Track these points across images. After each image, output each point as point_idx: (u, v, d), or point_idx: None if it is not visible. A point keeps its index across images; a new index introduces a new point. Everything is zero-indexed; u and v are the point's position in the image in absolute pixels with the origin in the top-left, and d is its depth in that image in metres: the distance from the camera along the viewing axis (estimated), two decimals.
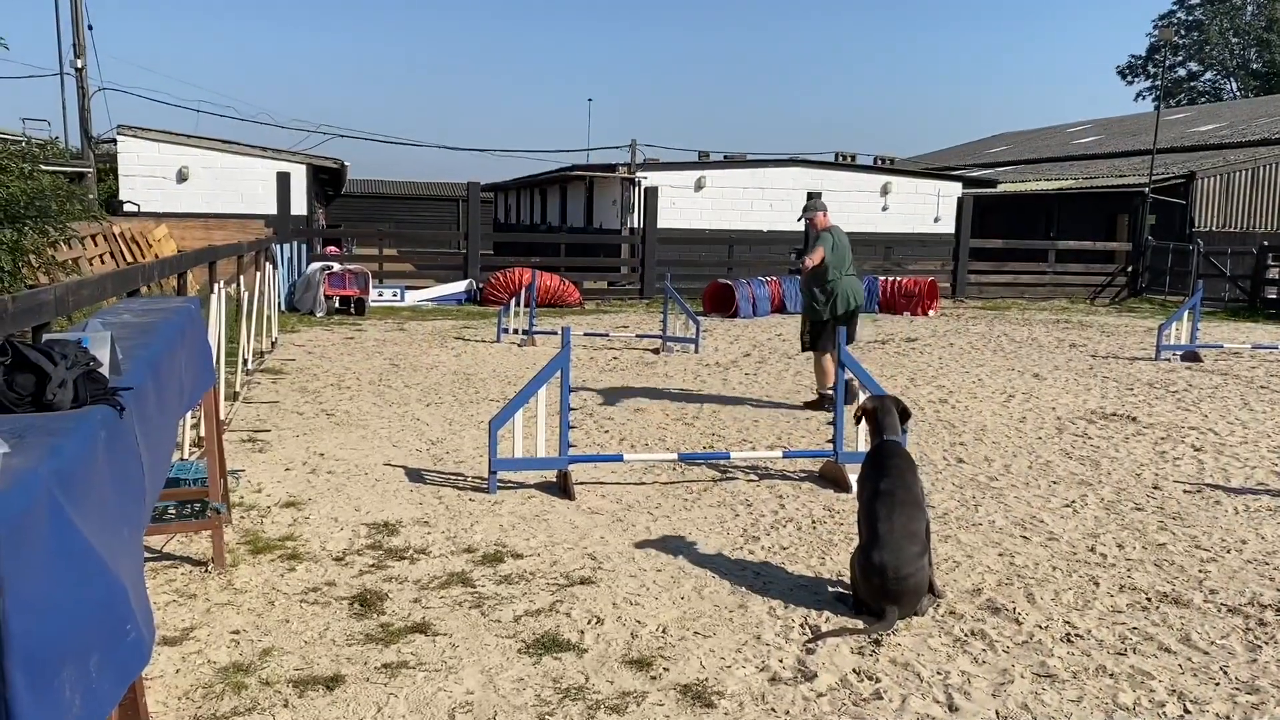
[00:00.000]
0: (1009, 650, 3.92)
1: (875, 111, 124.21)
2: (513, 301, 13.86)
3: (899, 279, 18.95)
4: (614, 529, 5.36)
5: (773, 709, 3.41)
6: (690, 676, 3.63)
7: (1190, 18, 59.03)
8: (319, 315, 16.01)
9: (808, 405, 9.04)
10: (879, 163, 29.44)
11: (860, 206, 25.92)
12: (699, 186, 24.81)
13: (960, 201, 22.86)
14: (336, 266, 16.70)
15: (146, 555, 4.57)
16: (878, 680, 3.62)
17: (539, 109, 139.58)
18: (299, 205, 20.67)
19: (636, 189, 23.72)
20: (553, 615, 4.17)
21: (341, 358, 11.45)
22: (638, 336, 13.76)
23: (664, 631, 4.03)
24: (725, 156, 27.69)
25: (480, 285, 18.67)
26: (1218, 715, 3.42)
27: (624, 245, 23.30)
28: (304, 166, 22.67)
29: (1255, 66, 57.35)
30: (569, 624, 4.08)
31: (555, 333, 12.63)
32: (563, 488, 6.01)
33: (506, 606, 4.25)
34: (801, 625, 4.11)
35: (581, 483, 6.16)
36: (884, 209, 26.65)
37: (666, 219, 21.96)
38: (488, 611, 4.19)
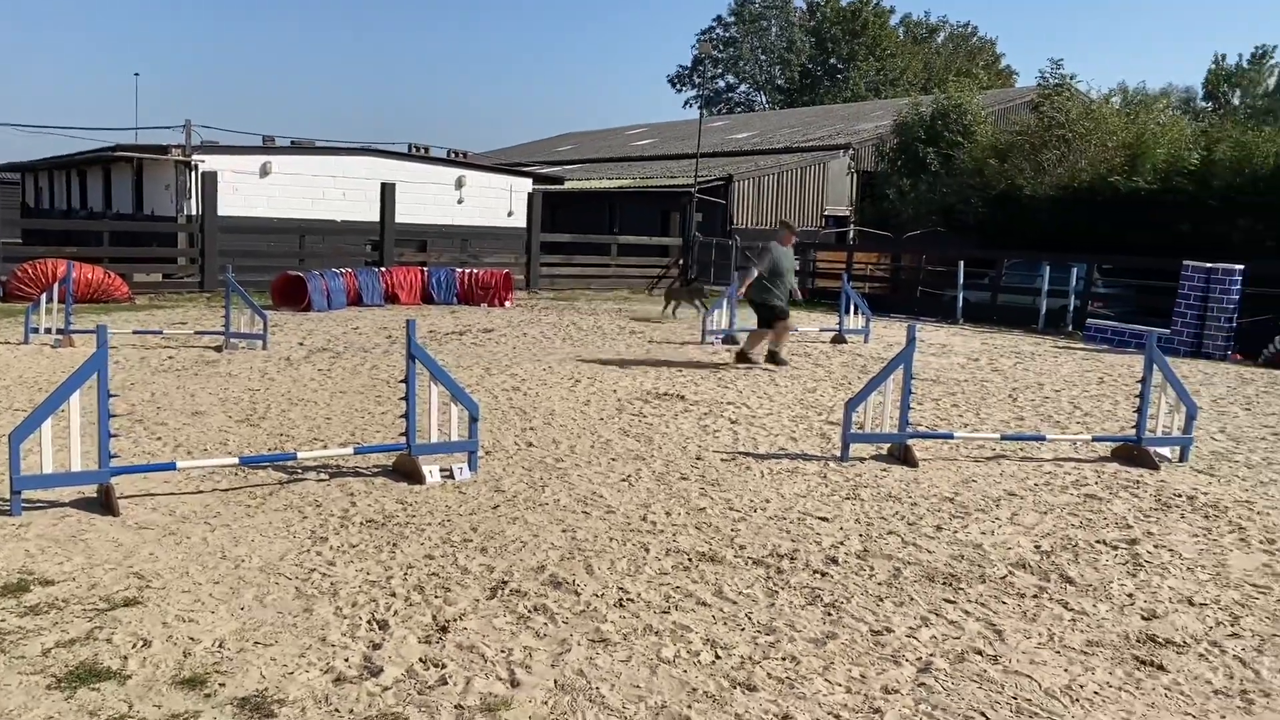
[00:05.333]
0: (568, 621, 4.17)
1: (449, 105, 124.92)
2: (44, 297, 12.30)
3: (475, 271, 19.28)
4: (165, 543, 4.97)
5: (336, 710, 3.36)
6: (249, 688, 3.48)
7: (727, 34, 65.62)
8: None
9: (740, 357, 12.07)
10: (453, 156, 29.69)
11: (436, 199, 26.01)
12: (265, 173, 23.53)
13: (531, 197, 23.70)
14: None
15: None
16: (444, 666, 3.70)
17: (75, 80, 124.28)
18: None
19: (193, 173, 22.00)
20: (90, 643, 3.79)
21: None
22: (197, 333, 12.80)
23: (221, 646, 3.82)
24: (292, 142, 26.47)
25: (3, 279, 16.35)
26: (742, 657, 3.88)
27: (181, 234, 21.52)
28: None
29: (780, 82, 65.03)
30: (110, 650, 3.73)
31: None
32: (105, 503, 5.46)
33: (33, 640, 3.79)
34: (369, 622, 4.08)
35: (129, 496, 5.64)
36: (459, 202, 26.95)
37: (229, 206, 20.57)
38: (8, 649, 3.72)
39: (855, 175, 31.04)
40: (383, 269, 18.82)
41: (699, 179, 27.54)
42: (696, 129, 29.63)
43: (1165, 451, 7.66)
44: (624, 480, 6.50)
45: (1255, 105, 48.12)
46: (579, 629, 4.09)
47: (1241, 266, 15.08)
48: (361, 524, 5.38)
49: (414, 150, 27.85)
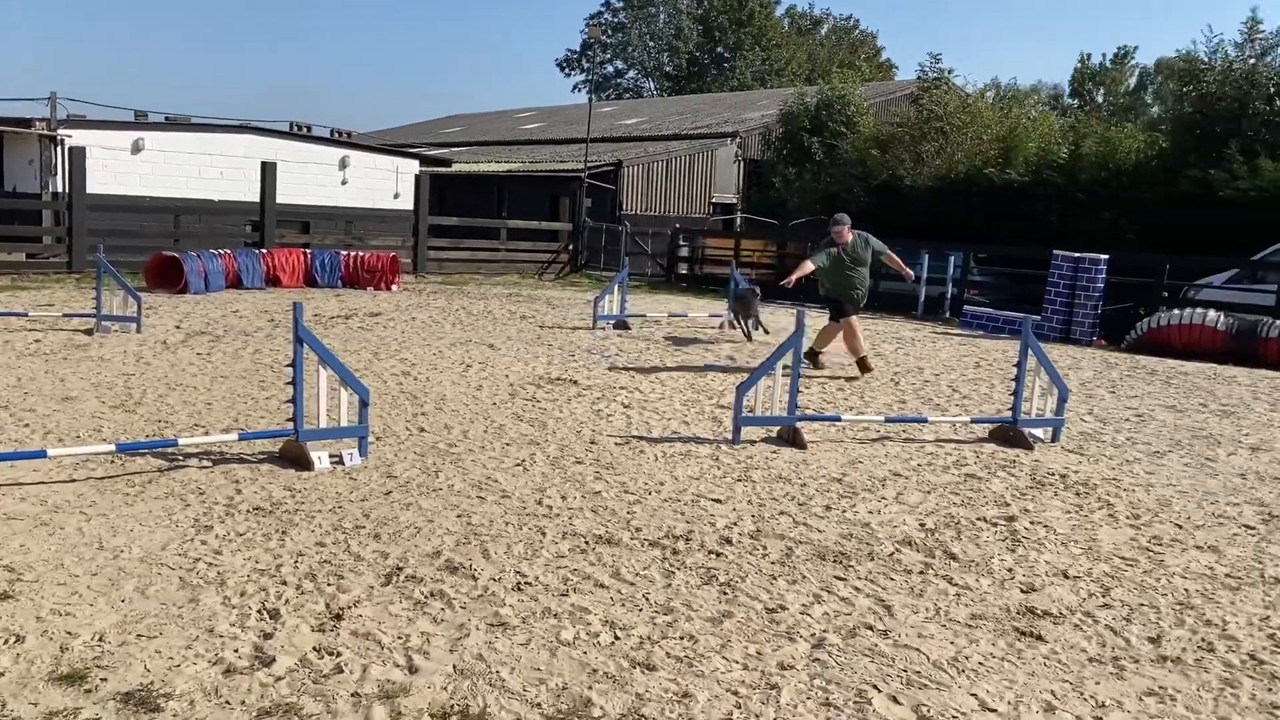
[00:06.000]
0: (466, 606, 4.13)
1: (332, 84, 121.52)
2: None
3: (362, 254, 18.86)
4: (37, 535, 4.73)
5: (227, 702, 3.26)
6: (133, 683, 3.35)
7: (616, 19, 65.58)
8: None
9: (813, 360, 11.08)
10: (336, 135, 28.95)
11: (319, 179, 25.33)
12: (137, 149, 22.54)
13: (418, 179, 23.29)
14: None
15: None
16: (339, 654, 3.63)
17: None
18: None
19: (59, 148, 20.90)
20: None
21: None
22: (66, 316, 12.19)
23: (101, 639, 3.66)
24: (166, 118, 25.41)
25: None
26: (641, 637, 3.91)
27: (46, 212, 20.47)
28: None
29: (668, 69, 65.35)
30: None
31: None
32: None
33: None
34: (259, 612, 3.97)
35: None
36: (343, 183, 26.32)
37: (99, 184, 19.62)
38: None
39: (742, 163, 31.46)
40: (263, 250, 18.24)
41: (589, 164, 27.51)
42: (586, 114, 29.56)
43: (1039, 432, 8.00)
44: (518, 465, 6.47)
45: (1118, 103, 50.52)
46: (477, 613, 4.06)
47: (1106, 256, 15.83)
48: (248, 512, 5.22)
49: (296, 129, 27.03)
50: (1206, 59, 20.59)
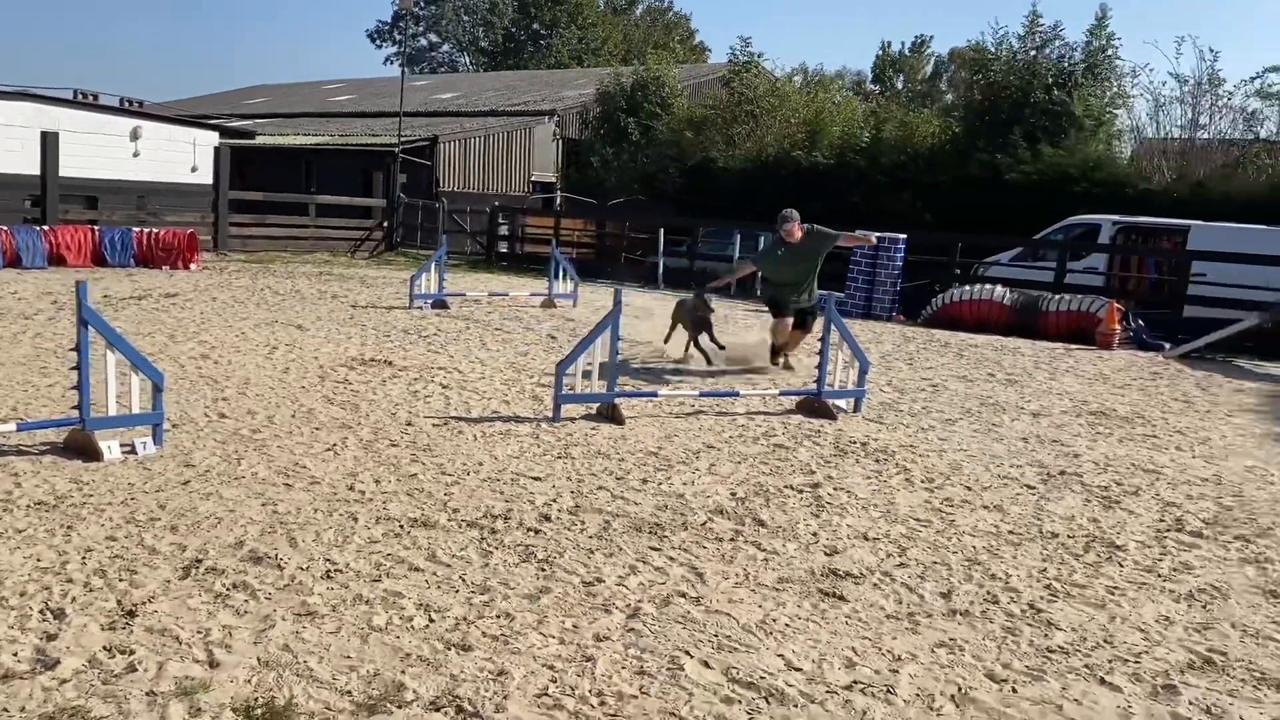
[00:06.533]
0: (271, 597, 3.98)
1: (121, 49, 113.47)
2: None
3: (156, 231, 17.77)
4: None
5: (4, 709, 3.03)
6: None
7: None
8: None
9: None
10: (126, 105, 27.10)
11: (107, 151, 23.63)
12: None
13: (218, 151, 22.12)
14: None
15: None
16: (132, 652, 3.43)
17: None
18: None
19: None
20: None
21: None
22: None
23: None
24: None
25: None
26: (457, 618, 3.87)
27: None
28: None
29: (483, 44, 64.37)
30: None
31: None
32: None
33: None
34: (42, 612, 3.70)
35: None
36: (135, 155, 24.65)
37: None
38: None
39: (561, 142, 31.39)
40: (45, 228, 16.92)
41: (403, 139, 26.81)
42: (399, 87, 28.77)
43: (842, 403, 8.36)
44: (329, 450, 6.26)
45: (916, 90, 53.17)
46: (283, 604, 3.91)
47: (904, 236, 16.68)
48: (29, 507, 4.85)
49: (80, 97, 25.11)
50: (993, 50, 21.96)
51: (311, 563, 4.35)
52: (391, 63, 65.73)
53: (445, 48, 66.80)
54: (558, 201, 29.77)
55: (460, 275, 19.30)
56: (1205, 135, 19.90)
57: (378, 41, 67.30)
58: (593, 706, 3.22)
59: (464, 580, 4.25)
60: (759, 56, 27.14)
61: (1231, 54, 77.95)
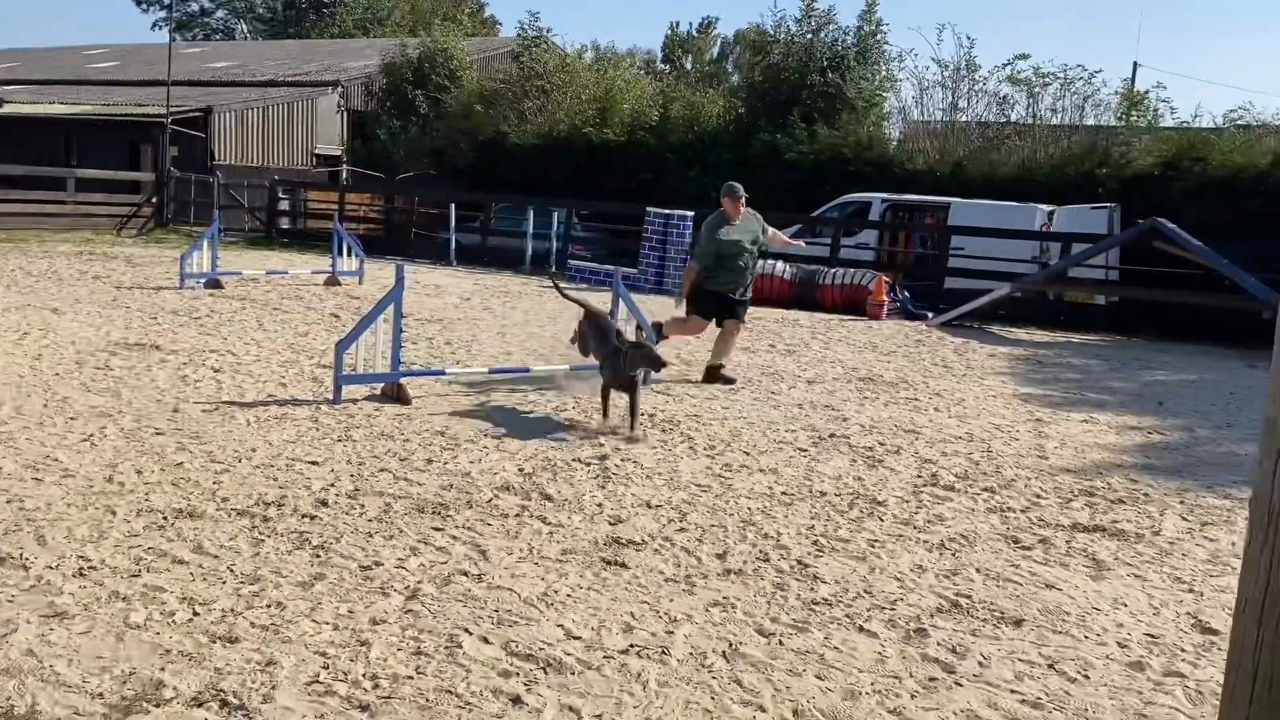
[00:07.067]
0: (14, 599, 3.68)
1: None
2: None
3: None
4: None
5: None
6: None
7: None
8: None
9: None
10: None
11: None
12: None
13: None
14: None
15: None
16: None
17: None
18: None
19: None
20: None
21: None
22: None
23: None
24: None
25: None
26: (224, 609, 3.70)
27: None
28: None
29: (261, 11, 61.14)
30: None
31: None
32: None
33: None
34: None
35: None
36: None
37: None
38: None
39: (346, 114, 30.30)
40: None
41: (173, 109, 25.15)
42: (167, 54, 26.93)
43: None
44: (85, 440, 5.84)
45: (703, 70, 54.45)
46: (28, 606, 3.63)
47: (693, 214, 17.09)
48: None
49: None
50: (772, 33, 22.72)
51: (62, 561, 4.06)
52: (160, 28, 61.47)
53: (220, 14, 63.03)
54: (344, 176, 28.76)
55: (237, 253, 18.39)
56: (964, 118, 21.30)
57: (144, 5, 62.75)
58: (365, 690, 3.16)
59: (232, 571, 4.07)
60: (548, 32, 27.04)
61: (987, 41, 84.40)
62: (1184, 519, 5.65)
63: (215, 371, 7.99)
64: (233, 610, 3.70)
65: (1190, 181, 16.70)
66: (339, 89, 30.35)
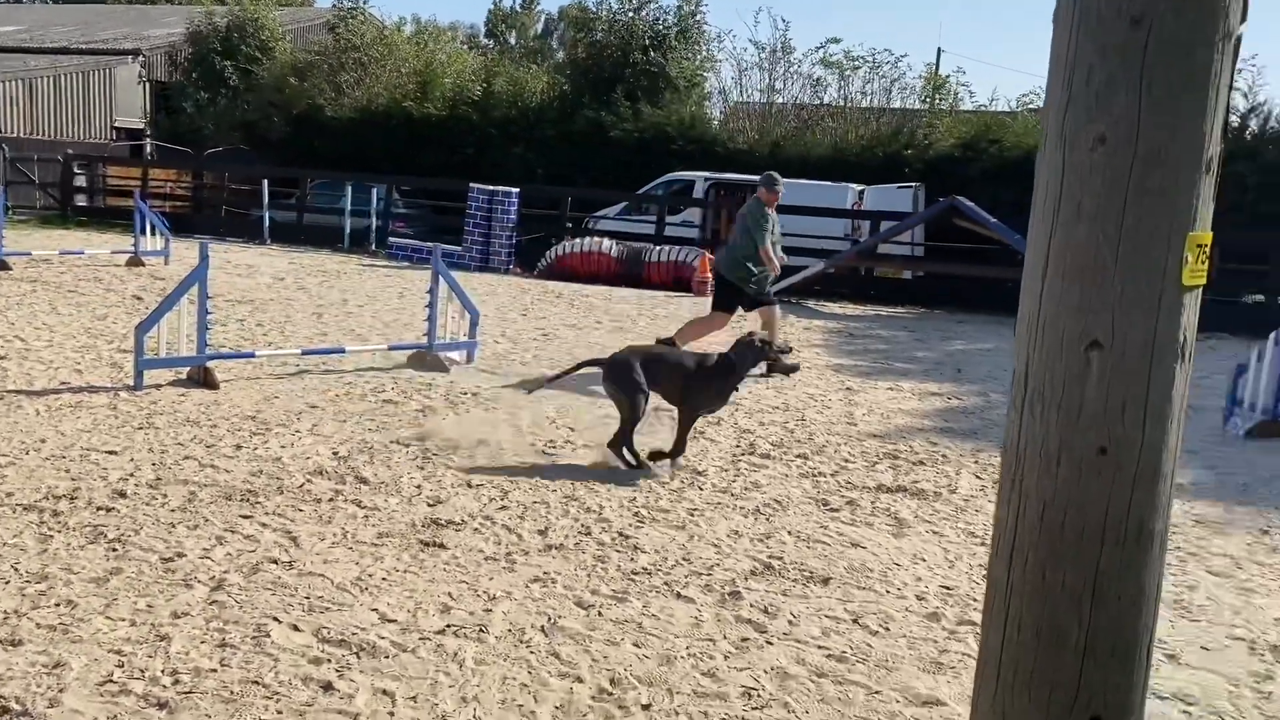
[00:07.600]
0: None
1: None
2: None
3: None
4: None
5: None
6: None
7: None
8: None
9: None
10: None
11: None
12: None
13: None
14: None
15: None
16: None
17: None
18: None
19: None
20: None
21: None
22: None
23: None
24: None
25: None
26: (7, 611, 3.46)
27: None
28: None
29: None
30: None
31: None
32: None
33: None
34: None
35: None
36: None
37: None
38: None
39: (148, 85, 28.55)
40: None
41: None
42: None
43: (455, 355, 8.40)
44: None
45: (527, 46, 53.97)
46: None
47: (517, 190, 16.96)
48: None
49: None
50: (595, 10, 22.72)
51: None
52: None
53: None
54: (148, 150, 27.10)
55: (27, 232, 17.11)
56: (781, 99, 21.91)
57: None
58: (164, 687, 3.02)
59: (16, 570, 3.81)
60: (366, 4, 26.19)
61: (801, 25, 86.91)
62: (978, 477, 6.03)
63: (1, 359, 7.42)
64: (16, 612, 3.46)
65: (987, 162, 17.73)
66: (140, 58, 28.54)
